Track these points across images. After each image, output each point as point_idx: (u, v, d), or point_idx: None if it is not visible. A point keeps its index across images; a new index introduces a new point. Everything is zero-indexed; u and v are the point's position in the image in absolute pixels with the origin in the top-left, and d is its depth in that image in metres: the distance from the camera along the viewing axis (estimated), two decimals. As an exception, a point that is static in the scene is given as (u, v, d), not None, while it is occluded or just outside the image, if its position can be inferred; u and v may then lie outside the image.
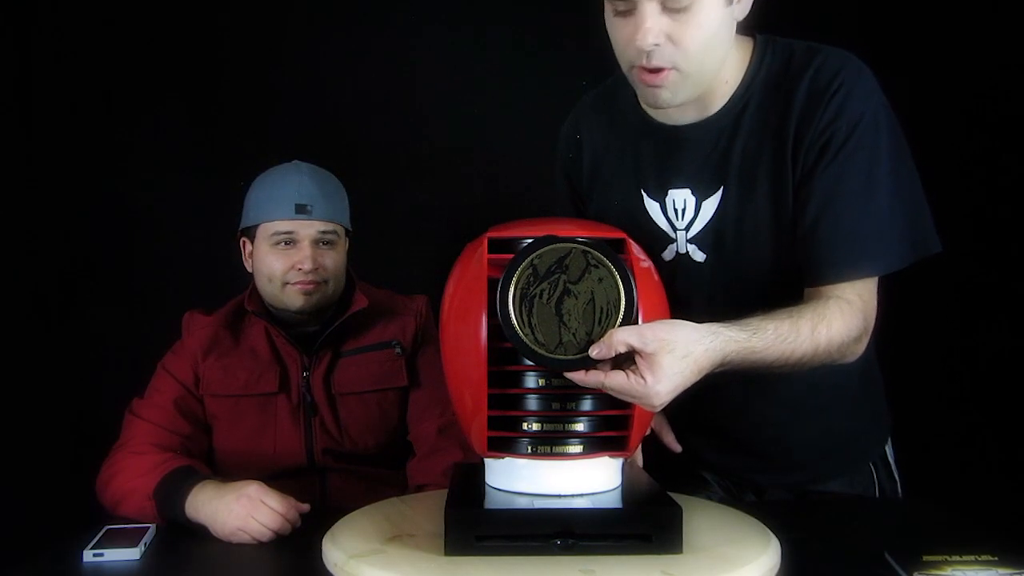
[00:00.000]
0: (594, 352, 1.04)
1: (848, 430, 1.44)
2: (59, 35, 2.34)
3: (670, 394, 1.06)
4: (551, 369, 1.07)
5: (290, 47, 2.41)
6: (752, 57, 1.30)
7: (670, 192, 1.33)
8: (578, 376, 1.05)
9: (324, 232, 1.62)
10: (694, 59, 1.20)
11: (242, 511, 1.30)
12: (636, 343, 1.03)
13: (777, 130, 1.26)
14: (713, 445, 1.47)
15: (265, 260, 1.61)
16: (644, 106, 1.34)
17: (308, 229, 1.60)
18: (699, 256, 1.32)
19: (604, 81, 1.46)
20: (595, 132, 1.44)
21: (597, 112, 1.45)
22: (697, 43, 1.19)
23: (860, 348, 1.25)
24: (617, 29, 1.22)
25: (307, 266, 1.58)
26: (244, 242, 1.68)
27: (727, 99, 1.30)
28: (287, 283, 1.60)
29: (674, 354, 1.04)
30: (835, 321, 1.19)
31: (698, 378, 1.08)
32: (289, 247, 1.60)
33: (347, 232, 1.69)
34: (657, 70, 1.20)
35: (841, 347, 1.21)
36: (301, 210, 1.59)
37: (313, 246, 1.60)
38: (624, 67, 1.25)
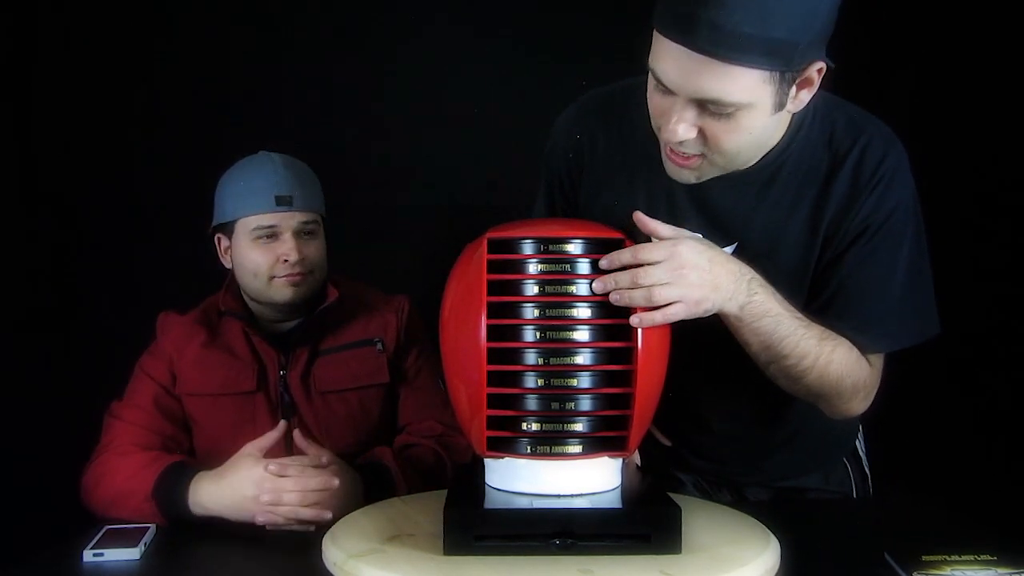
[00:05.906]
0: (603, 263, 1.09)
1: (824, 427, 1.41)
2: (59, 35, 2.34)
3: (692, 253, 1.10)
4: None
5: (290, 46, 2.41)
6: (792, 120, 1.23)
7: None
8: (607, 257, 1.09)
9: (306, 223, 1.59)
10: (727, 155, 1.15)
11: (250, 479, 1.34)
12: (640, 252, 1.09)
13: (812, 212, 1.24)
14: (688, 444, 1.46)
15: (248, 255, 1.58)
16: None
17: (290, 221, 1.57)
18: None
19: (613, 85, 1.38)
20: (599, 140, 1.37)
21: (605, 121, 1.37)
22: (732, 145, 1.14)
23: (857, 403, 1.27)
24: (652, 97, 1.15)
25: (293, 258, 1.55)
26: (219, 238, 1.64)
27: (757, 158, 1.24)
28: (274, 277, 1.57)
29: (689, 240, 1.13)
30: (845, 347, 1.22)
31: (726, 269, 1.12)
32: (271, 240, 1.57)
33: (323, 220, 1.66)
34: (685, 155, 1.16)
35: (841, 378, 1.22)
36: (282, 201, 1.56)
37: (296, 237, 1.57)
38: (653, 126, 1.19)
